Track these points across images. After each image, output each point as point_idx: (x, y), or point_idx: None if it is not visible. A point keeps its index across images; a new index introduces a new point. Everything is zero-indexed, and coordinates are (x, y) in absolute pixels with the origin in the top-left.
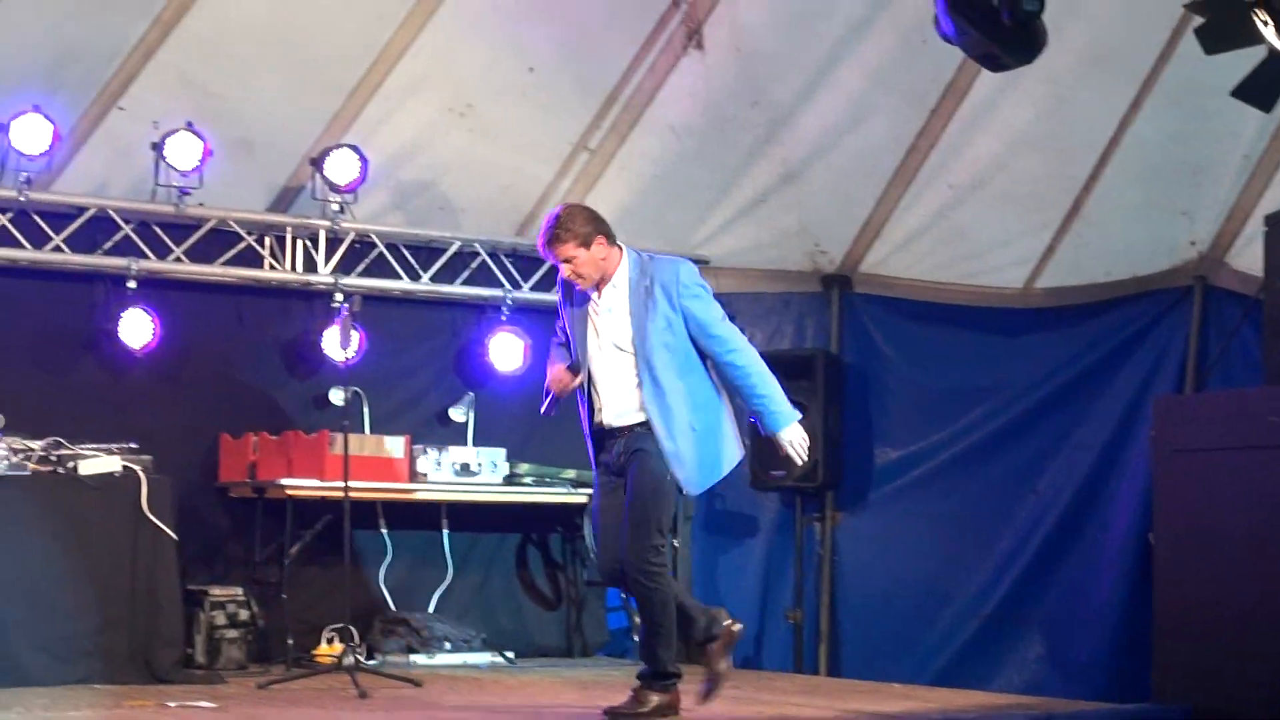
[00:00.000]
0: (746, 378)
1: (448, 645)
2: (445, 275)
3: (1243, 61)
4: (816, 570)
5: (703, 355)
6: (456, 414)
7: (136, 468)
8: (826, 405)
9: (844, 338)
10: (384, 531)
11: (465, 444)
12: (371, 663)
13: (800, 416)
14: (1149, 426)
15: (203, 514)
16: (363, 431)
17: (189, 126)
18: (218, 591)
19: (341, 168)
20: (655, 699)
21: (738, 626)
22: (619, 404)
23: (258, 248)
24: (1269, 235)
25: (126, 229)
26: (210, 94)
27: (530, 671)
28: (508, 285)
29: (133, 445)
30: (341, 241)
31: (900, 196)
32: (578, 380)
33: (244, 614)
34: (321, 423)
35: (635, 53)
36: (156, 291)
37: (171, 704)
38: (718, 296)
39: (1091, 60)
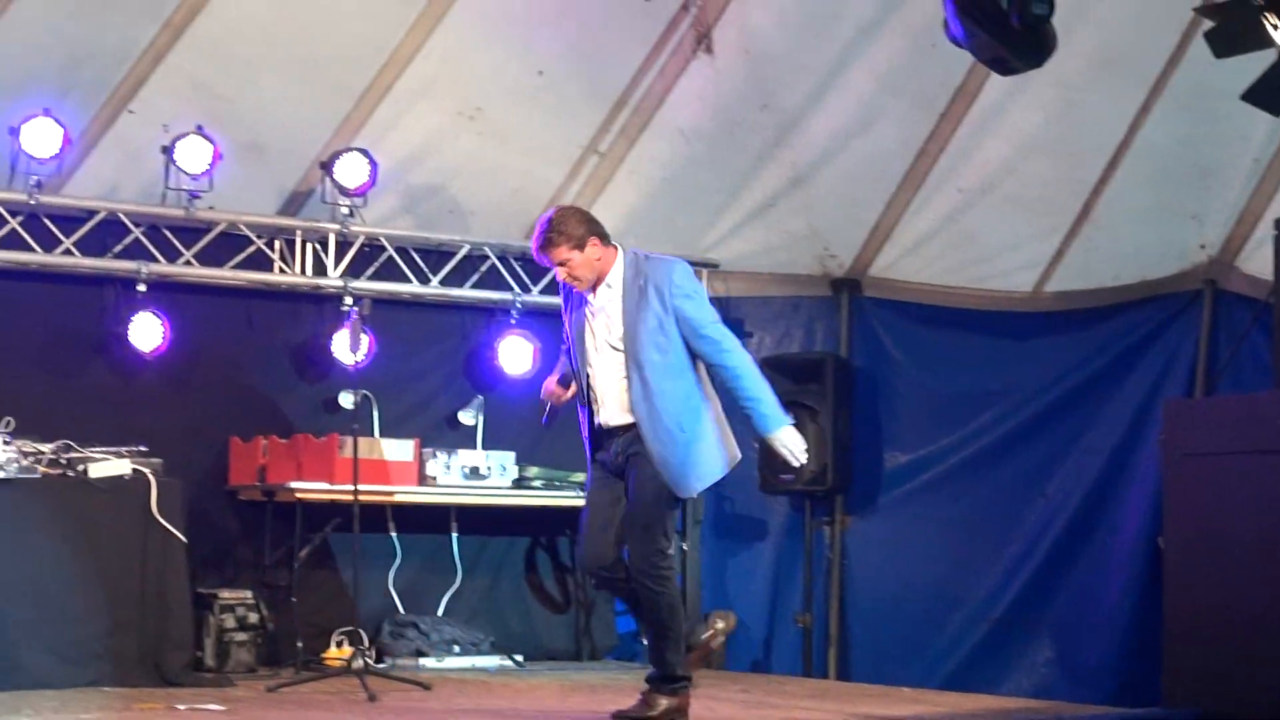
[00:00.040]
0: (736, 380)
1: (457, 648)
2: (455, 278)
3: (1253, 65)
4: (826, 574)
5: (696, 357)
6: (466, 417)
7: (146, 471)
8: (836, 409)
9: (853, 341)
10: (393, 535)
11: (475, 447)
12: (381, 666)
13: (792, 421)
14: (1159, 430)
15: (212, 517)
16: (372, 435)
17: (199, 130)
18: (227, 595)
19: (351, 171)
20: (664, 702)
21: (719, 641)
22: (615, 404)
23: (267, 251)
24: (1279, 239)
25: (136, 232)
26: (220, 97)
27: (539, 675)
28: (517, 289)
29: (142, 448)
30: (351, 245)
31: (909, 200)
32: (570, 392)
33: (253, 617)
34: (331, 426)
35: (645, 56)
36: (166, 295)
37: (181, 707)
38: (727, 300)
39: (1101, 64)
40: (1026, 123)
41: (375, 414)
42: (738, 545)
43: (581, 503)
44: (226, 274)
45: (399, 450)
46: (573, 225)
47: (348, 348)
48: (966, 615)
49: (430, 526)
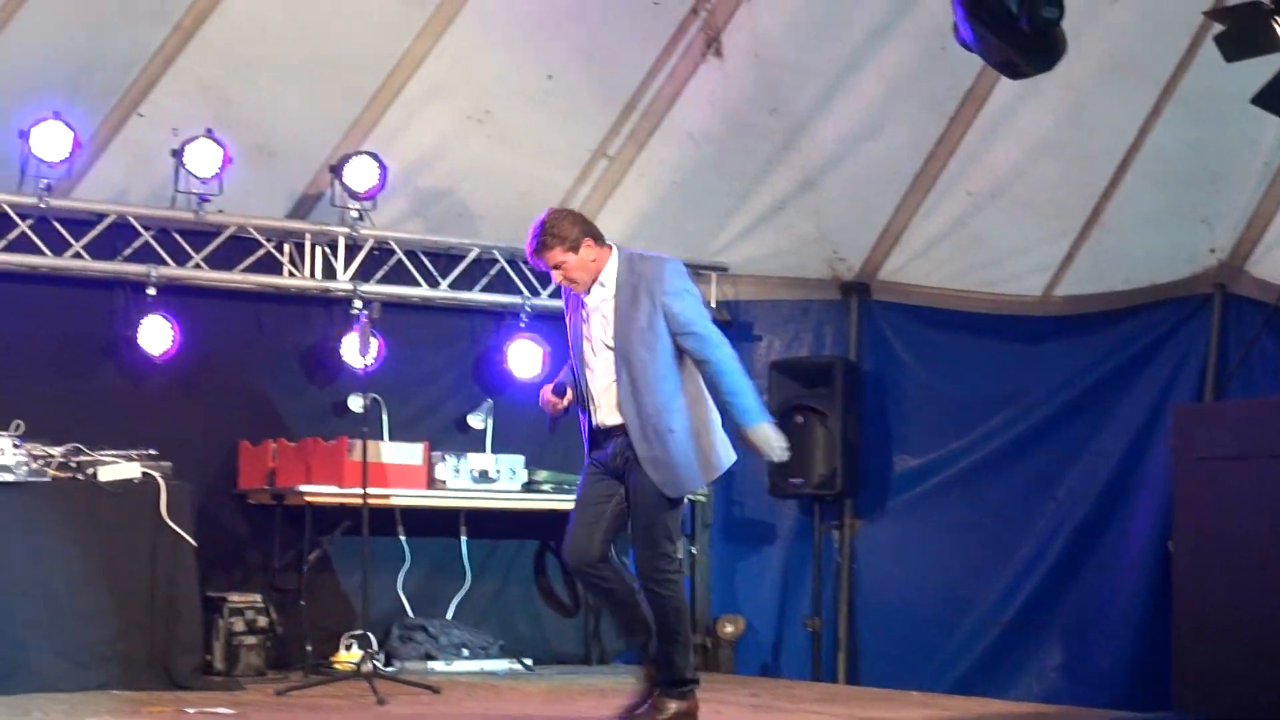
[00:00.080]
0: (719, 376)
1: (465, 652)
2: (464, 282)
3: (1263, 69)
4: (835, 578)
5: (686, 357)
6: (475, 421)
7: (156, 474)
8: (845, 413)
9: (863, 345)
10: (402, 538)
11: (484, 451)
12: (389, 669)
13: (772, 419)
14: (1168, 434)
15: (222, 520)
16: (381, 438)
17: (208, 133)
18: (236, 598)
19: (360, 175)
20: (673, 706)
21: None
22: (609, 404)
23: (277, 255)
24: None
25: (146, 236)
26: (230, 101)
27: (548, 679)
28: (526, 292)
29: (152, 452)
30: (360, 248)
31: (919, 204)
32: (566, 400)
33: (262, 620)
34: (340, 429)
35: (654, 60)
36: (176, 298)
37: (190, 710)
38: (736, 303)
39: (1111, 67)
40: (1036, 126)
41: (384, 417)
42: (747, 549)
43: None
44: (236, 277)
45: (408, 454)
46: (566, 227)
47: (357, 351)
48: (976, 619)
49: (439, 530)
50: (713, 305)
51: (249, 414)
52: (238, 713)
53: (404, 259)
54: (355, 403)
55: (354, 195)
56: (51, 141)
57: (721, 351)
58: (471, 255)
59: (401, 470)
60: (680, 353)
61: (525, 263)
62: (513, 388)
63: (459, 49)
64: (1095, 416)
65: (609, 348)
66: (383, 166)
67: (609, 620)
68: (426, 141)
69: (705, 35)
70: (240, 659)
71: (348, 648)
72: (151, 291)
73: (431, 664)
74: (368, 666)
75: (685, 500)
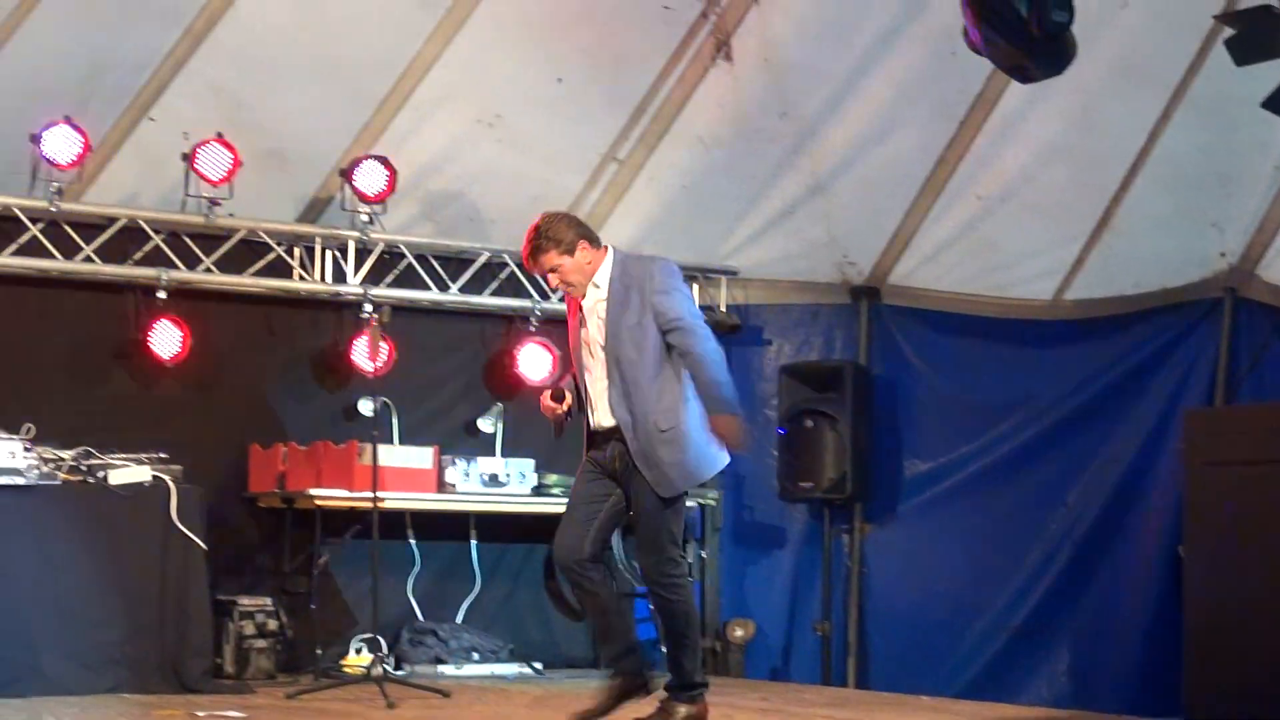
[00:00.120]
0: (699, 366)
1: (475, 656)
2: (474, 286)
3: (1273, 73)
4: (845, 582)
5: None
6: (485, 425)
7: (166, 478)
8: (855, 417)
9: (873, 349)
10: (412, 542)
11: (494, 455)
12: (399, 673)
13: (739, 413)
14: (1179, 439)
15: (232, 524)
16: (391, 442)
17: (219, 137)
18: (247, 601)
19: (371, 179)
20: (683, 710)
21: (648, 697)
22: (604, 406)
23: (287, 258)
24: None
25: (157, 239)
26: (240, 105)
27: (558, 682)
28: (536, 296)
29: (162, 455)
30: (370, 252)
31: (929, 208)
32: (566, 404)
33: (273, 624)
34: (350, 433)
35: (664, 64)
36: (186, 302)
37: (200, 714)
38: (746, 307)
39: (1121, 72)
40: (1046, 130)
41: (394, 421)
42: (757, 553)
43: None
44: (246, 281)
45: (418, 457)
46: (561, 230)
47: (367, 355)
48: (986, 624)
49: (449, 534)
50: (722, 309)
51: (259, 417)
52: (248, 716)
53: (414, 263)
54: (365, 406)
55: (364, 199)
56: (62, 145)
57: (705, 345)
58: (481, 259)
59: (411, 474)
60: (672, 352)
61: None
62: (523, 392)
63: (469, 53)
64: (1106, 421)
65: (602, 349)
66: (393, 170)
67: (588, 624)
68: (437, 145)
69: (715, 39)
70: (250, 662)
71: (358, 651)
72: (162, 295)
73: (441, 668)
74: (378, 670)
75: (687, 502)
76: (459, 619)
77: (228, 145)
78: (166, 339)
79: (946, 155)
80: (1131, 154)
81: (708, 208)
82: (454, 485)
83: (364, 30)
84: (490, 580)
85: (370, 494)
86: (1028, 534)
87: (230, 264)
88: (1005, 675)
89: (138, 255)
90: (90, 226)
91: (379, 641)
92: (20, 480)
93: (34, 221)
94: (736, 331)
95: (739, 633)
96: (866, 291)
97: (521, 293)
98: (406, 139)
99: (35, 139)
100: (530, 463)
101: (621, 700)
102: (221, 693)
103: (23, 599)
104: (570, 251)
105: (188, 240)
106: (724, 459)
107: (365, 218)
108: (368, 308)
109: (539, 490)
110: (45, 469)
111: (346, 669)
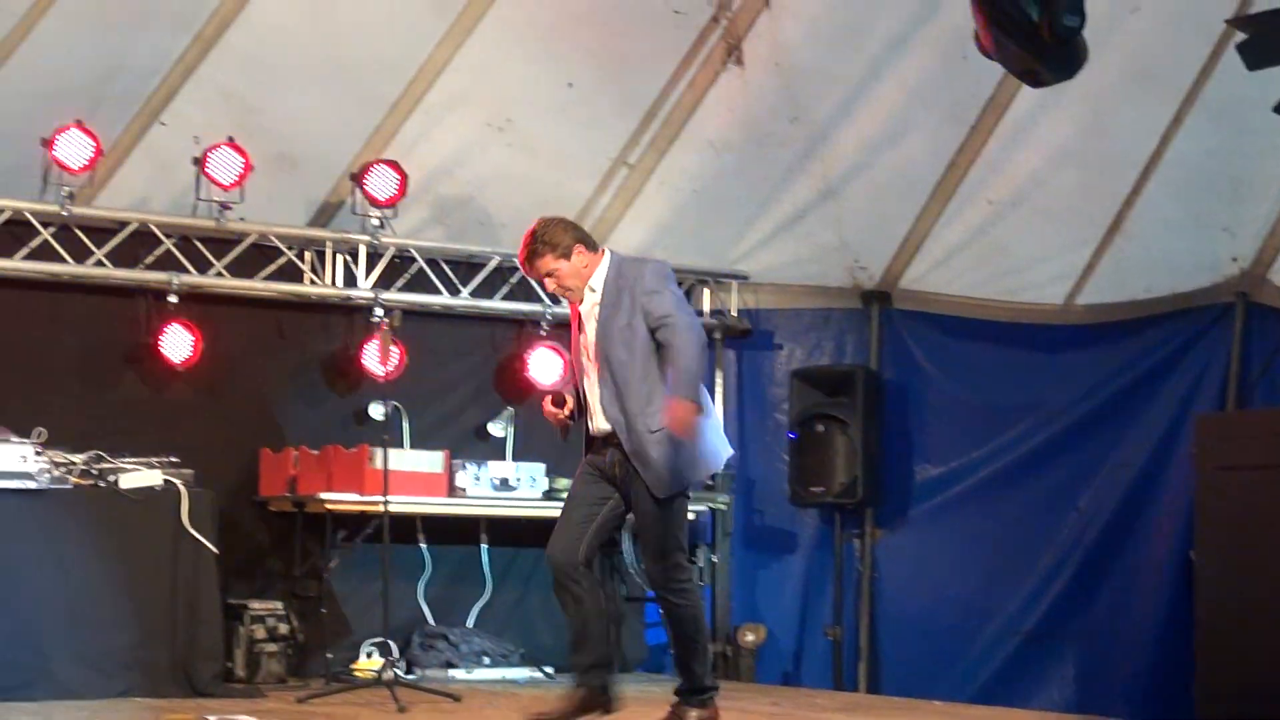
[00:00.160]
0: (675, 357)
1: (486, 660)
2: (485, 290)
3: None
4: (856, 587)
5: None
6: (496, 429)
7: (177, 481)
8: (866, 421)
9: (883, 354)
10: (423, 546)
11: (504, 459)
12: (410, 677)
13: (697, 404)
14: (1190, 444)
15: (243, 528)
16: (402, 446)
17: (230, 141)
18: (257, 605)
19: (381, 183)
20: (694, 714)
21: (607, 717)
22: (600, 408)
23: (298, 263)
24: None
25: (168, 243)
26: (251, 109)
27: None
28: (547, 300)
29: (174, 459)
30: (381, 256)
31: (940, 212)
32: (567, 409)
33: (283, 628)
34: (361, 437)
35: (675, 68)
36: (197, 306)
37: (211, 718)
38: (757, 312)
39: (1132, 76)
40: (1057, 135)
41: (405, 425)
42: (768, 558)
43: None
44: (257, 285)
45: (429, 462)
46: (558, 234)
47: (378, 359)
48: (997, 628)
49: (460, 538)
50: (733, 313)
51: (270, 422)
52: None
53: (425, 267)
54: (376, 410)
55: (375, 203)
56: (74, 149)
57: (685, 336)
58: (492, 263)
59: (422, 478)
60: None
61: None
62: (534, 396)
63: (480, 57)
64: (1117, 425)
65: (596, 351)
66: (403, 175)
67: (566, 629)
68: (447, 150)
69: (726, 44)
70: (261, 666)
71: (369, 655)
72: (173, 299)
73: (452, 672)
74: (389, 674)
75: (695, 507)
76: (470, 623)
77: (239, 149)
78: (177, 343)
79: (957, 160)
80: (1143, 158)
81: (719, 212)
82: (464, 490)
83: (374, 35)
84: (501, 584)
85: (381, 498)
86: (1039, 538)
87: (241, 268)
88: (1016, 680)
89: (149, 259)
90: (101, 230)
91: (390, 646)
92: (32, 484)
93: (45, 225)
94: (747, 336)
95: (750, 637)
96: (877, 296)
97: (532, 297)
98: (417, 143)
99: (47, 143)
100: (541, 467)
101: (582, 713)
102: (232, 696)
103: (34, 603)
104: (566, 256)
105: (199, 244)
106: (719, 461)
107: (376, 222)
108: (378, 312)
109: (550, 495)
110: (56, 473)
111: (357, 673)
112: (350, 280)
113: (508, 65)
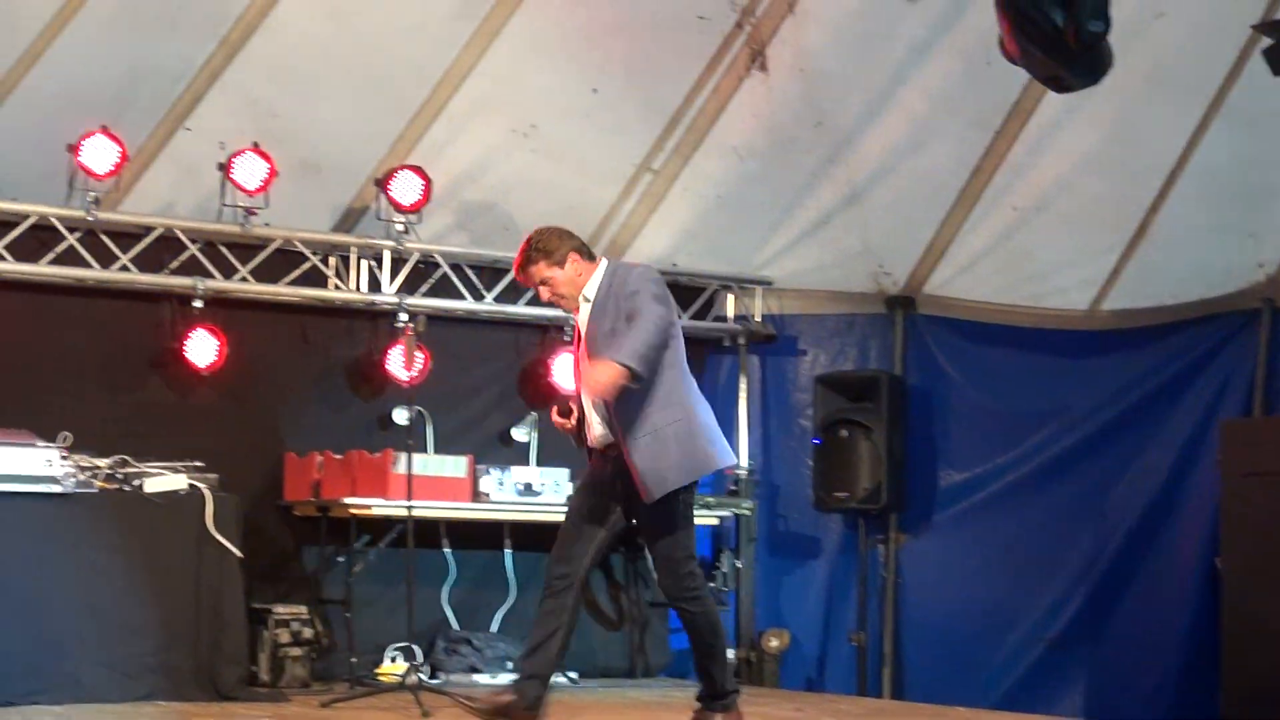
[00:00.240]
0: (628, 329)
1: (510, 665)
2: (509, 295)
3: None
4: (880, 592)
5: (663, 364)
6: (519, 434)
7: (202, 486)
8: (890, 427)
9: (908, 359)
10: (447, 551)
11: (528, 464)
12: (434, 682)
13: (624, 369)
14: (1216, 450)
15: (267, 532)
16: (426, 451)
17: (255, 147)
18: (282, 610)
19: (406, 188)
20: (718, 718)
21: None
22: (594, 416)
23: (322, 268)
24: None
25: (193, 249)
26: (276, 115)
27: (593, 692)
28: None
29: (198, 464)
30: (405, 262)
31: (964, 218)
32: (574, 417)
33: (308, 632)
34: (385, 442)
35: (699, 74)
36: (222, 311)
37: None
38: (781, 317)
39: (1158, 82)
40: (1083, 140)
41: (429, 430)
42: (792, 563)
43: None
44: (282, 290)
45: (453, 466)
46: (553, 242)
47: (402, 364)
48: (1022, 634)
49: (484, 543)
50: (757, 319)
51: (294, 426)
52: None
53: (449, 272)
54: (400, 415)
55: (399, 209)
56: (99, 155)
57: (646, 314)
58: None
59: (446, 483)
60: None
61: None
62: (557, 401)
63: (504, 63)
64: (1142, 431)
65: (586, 357)
66: (428, 180)
67: (531, 631)
68: (472, 155)
69: (750, 49)
70: (285, 670)
71: (393, 660)
72: (198, 304)
73: (476, 677)
74: (412, 679)
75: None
76: (494, 628)
77: (263, 155)
78: (202, 348)
79: (982, 165)
80: (1168, 164)
81: (742, 218)
82: (488, 495)
83: (399, 40)
84: (525, 589)
85: (405, 503)
86: (1063, 544)
87: (266, 273)
88: (1040, 687)
89: (174, 264)
90: (127, 236)
91: (414, 650)
92: (57, 488)
93: (71, 231)
94: (771, 341)
95: (774, 643)
96: (902, 301)
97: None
98: (442, 149)
99: (73, 149)
100: (565, 472)
101: (504, 715)
102: (256, 701)
103: (59, 607)
104: (560, 264)
105: (223, 249)
106: (708, 465)
107: (400, 227)
108: (403, 317)
109: None
110: (82, 477)
111: (381, 677)
112: (374, 285)
113: (532, 71)
